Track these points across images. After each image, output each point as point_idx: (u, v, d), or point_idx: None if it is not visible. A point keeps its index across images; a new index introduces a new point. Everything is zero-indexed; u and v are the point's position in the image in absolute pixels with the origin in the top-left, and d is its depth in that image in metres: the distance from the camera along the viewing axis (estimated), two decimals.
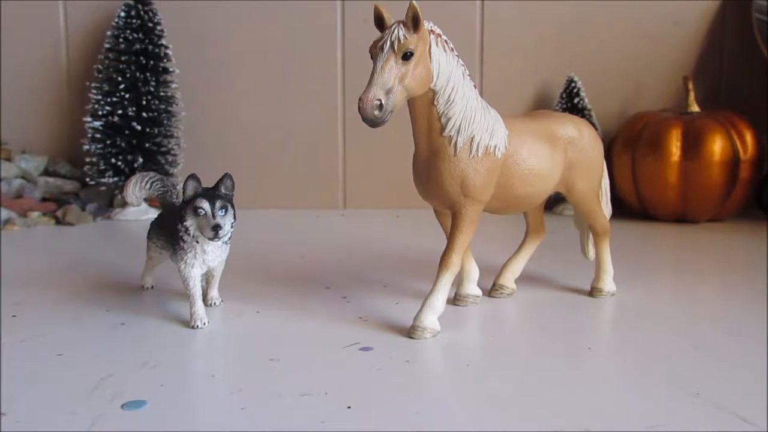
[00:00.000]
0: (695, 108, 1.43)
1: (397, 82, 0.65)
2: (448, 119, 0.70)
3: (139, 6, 1.45)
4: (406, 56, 0.66)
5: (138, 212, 1.43)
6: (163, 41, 1.47)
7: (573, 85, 1.47)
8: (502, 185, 0.74)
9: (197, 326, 0.73)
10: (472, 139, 0.71)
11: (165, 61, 1.48)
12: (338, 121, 1.56)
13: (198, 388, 0.58)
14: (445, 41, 0.70)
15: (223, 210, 0.71)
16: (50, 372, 0.61)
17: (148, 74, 1.45)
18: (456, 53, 0.71)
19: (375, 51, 0.67)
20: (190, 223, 0.72)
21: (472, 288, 0.82)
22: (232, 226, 0.73)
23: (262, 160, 1.57)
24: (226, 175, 0.74)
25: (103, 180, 1.45)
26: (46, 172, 1.55)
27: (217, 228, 0.70)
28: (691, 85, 1.43)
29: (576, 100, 1.46)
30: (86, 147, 1.45)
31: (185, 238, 0.73)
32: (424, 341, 0.69)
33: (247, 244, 1.12)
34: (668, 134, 1.34)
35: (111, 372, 0.61)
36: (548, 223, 0.93)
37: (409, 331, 0.71)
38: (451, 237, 0.72)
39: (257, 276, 0.96)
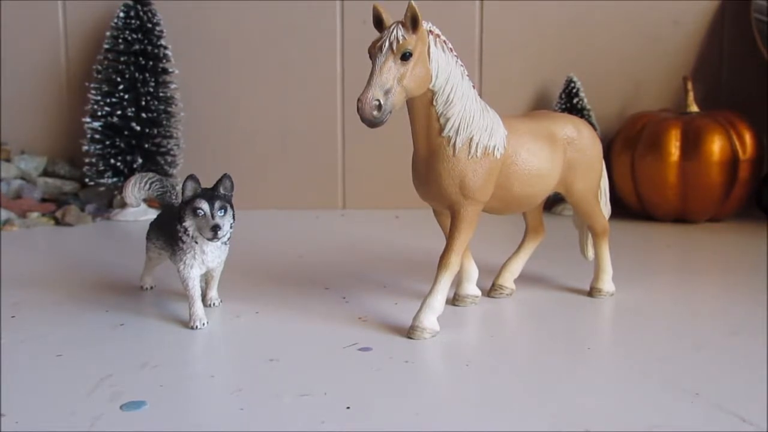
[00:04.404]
0: (695, 108, 1.43)
1: (396, 83, 0.65)
2: (447, 119, 0.70)
3: (139, 6, 1.45)
4: (405, 56, 0.66)
5: (137, 213, 1.43)
6: (163, 42, 1.47)
7: (572, 85, 1.47)
8: (501, 185, 0.74)
9: (196, 327, 0.73)
10: (471, 139, 0.71)
11: (164, 61, 1.48)
12: (337, 121, 1.56)
13: (197, 389, 0.58)
14: (444, 41, 0.70)
15: (222, 210, 0.71)
16: (50, 372, 0.61)
17: (147, 75, 1.45)
18: (455, 53, 0.71)
19: (374, 51, 0.67)
20: (189, 223, 0.72)
21: (471, 288, 0.82)
22: (231, 227, 0.73)
23: (262, 161, 1.57)
24: (225, 176, 0.74)
25: (102, 180, 1.45)
26: (46, 173, 1.55)
27: (216, 228, 0.70)
28: (690, 85, 1.43)
29: (575, 101, 1.46)
30: (85, 147, 1.45)
31: (184, 238, 0.73)
32: (424, 341, 0.69)
33: (247, 245, 1.12)
34: (667, 134, 1.34)
35: (110, 372, 0.61)
36: (547, 223, 0.93)
37: (409, 332, 0.70)
38: (450, 237, 0.72)
39: (257, 276, 0.96)
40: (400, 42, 0.65)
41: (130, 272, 0.96)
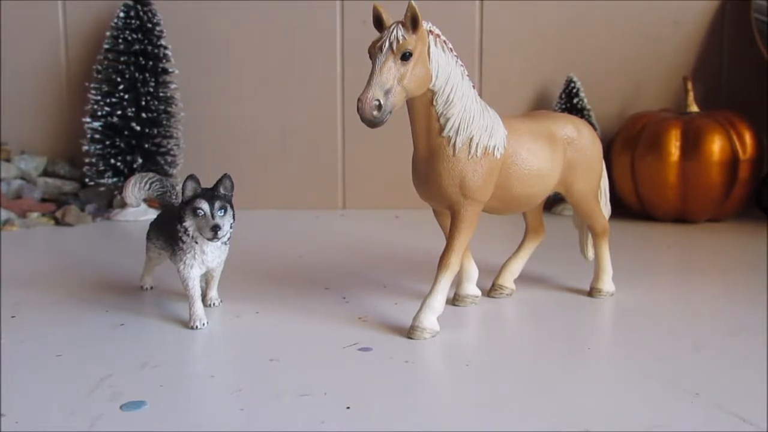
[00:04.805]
0: (695, 108, 1.43)
1: (396, 83, 0.65)
2: (447, 119, 0.70)
3: (139, 6, 1.45)
4: (405, 56, 0.66)
5: (137, 213, 1.43)
6: (163, 42, 1.47)
7: (572, 85, 1.47)
8: (501, 185, 0.74)
9: (196, 327, 0.73)
10: (471, 139, 0.71)
11: (164, 61, 1.48)
12: (337, 121, 1.56)
13: (197, 389, 0.58)
14: (444, 41, 0.70)
15: (222, 210, 0.71)
16: (50, 372, 0.61)
17: (147, 75, 1.45)
18: (455, 53, 0.71)
19: (374, 51, 0.67)
20: (189, 223, 0.72)
21: (471, 288, 0.82)
22: (231, 227, 0.73)
23: (262, 161, 1.57)
24: (225, 176, 0.74)
25: (102, 180, 1.45)
26: (46, 173, 1.55)
27: (216, 228, 0.70)
28: (690, 85, 1.43)
29: (575, 101, 1.46)
30: (85, 147, 1.45)
31: (184, 238, 0.73)
32: (424, 341, 0.69)
33: (247, 245, 1.12)
34: (667, 134, 1.34)
35: (110, 372, 0.61)
36: (548, 223, 0.93)
37: (409, 332, 0.70)
38: (450, 237, 0.72)
39: (257, 276, 0.96)
40: (400, 42, 0.65)
41: (130, 272, 0.96)
